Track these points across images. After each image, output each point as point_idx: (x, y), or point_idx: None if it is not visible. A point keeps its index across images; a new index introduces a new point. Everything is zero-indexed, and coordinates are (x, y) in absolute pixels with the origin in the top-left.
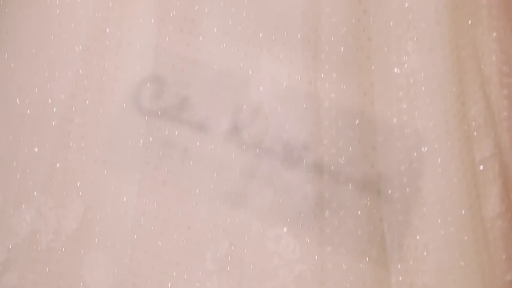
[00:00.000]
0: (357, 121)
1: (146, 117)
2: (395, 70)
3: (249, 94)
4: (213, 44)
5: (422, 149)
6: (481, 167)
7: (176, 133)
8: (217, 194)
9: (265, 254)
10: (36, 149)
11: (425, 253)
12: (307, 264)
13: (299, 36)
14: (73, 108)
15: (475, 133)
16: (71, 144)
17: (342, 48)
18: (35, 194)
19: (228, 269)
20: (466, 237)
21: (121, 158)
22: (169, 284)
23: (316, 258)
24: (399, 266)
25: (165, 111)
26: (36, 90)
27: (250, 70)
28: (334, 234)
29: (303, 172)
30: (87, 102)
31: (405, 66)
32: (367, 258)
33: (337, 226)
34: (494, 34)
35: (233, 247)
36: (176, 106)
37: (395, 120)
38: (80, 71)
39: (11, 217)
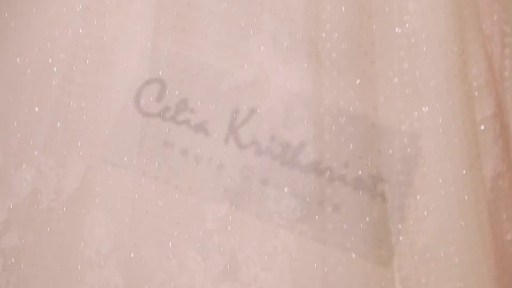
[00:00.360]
0: (358, 81)
1: (147, 77)
2: (397, 30)
3: (249, 95)
4: (213, 44)
5: (423, 109)
6: (482, 127)
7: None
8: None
9: (265, 214)
10: (36, 109)
11: (425, 213)
12: (307, 224)
13: (300, 38)
14: (74, 68)
15: (476, 93)
16: (71, 104)
17: (343, 7)
18: (35, 153)
19: (228, 228)
20: (466, 197)
21: (120, 120)
22: (170, 244)
23: (316, 218)
24: (400, 226)
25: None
26: (36, 50)
27: (250, 70)
28: (335, 194)
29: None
30: (87, 62)
31: (407, 25)
32: (368, 218)
33: (337, 185)
34: None
35: (233, 207)
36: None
37: (396, 80)
38: (81, 31)
39: (12, 177)
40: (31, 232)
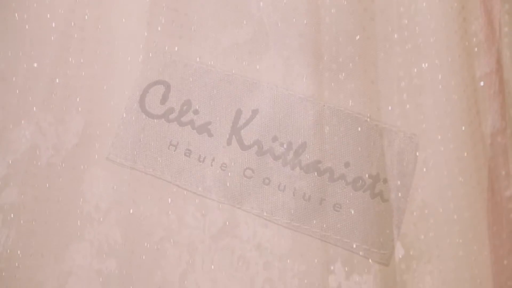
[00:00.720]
0: (357, 37)
1: (146, 33)
2: None
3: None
4: (215, 46)
5: (423, 65)
6: (482, 83)
7: None
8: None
9: (267, 90)
10: (35, 65)
11: (424, 170)
12: (308, 224)
13: (301, 38)
14: (72, 23)
15: (476, 49)
16: (70, 60)
17: None
18: (34, 109)
19: (229, 104)
20: (465, 154)
21: (120, 74)
22: (169, 200)
23: (318, 137)
24: (399, 183)
25: None
26: (35, 5)
27: (252, 72)
28: (334, 150)
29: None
30: (86, 18)
31: None
32: (369, 137)
33: (337, 142)
34: None
35: (234, 82)
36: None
37: (396, 35)
38: None
39: (11, 133)
40: (30, 188)
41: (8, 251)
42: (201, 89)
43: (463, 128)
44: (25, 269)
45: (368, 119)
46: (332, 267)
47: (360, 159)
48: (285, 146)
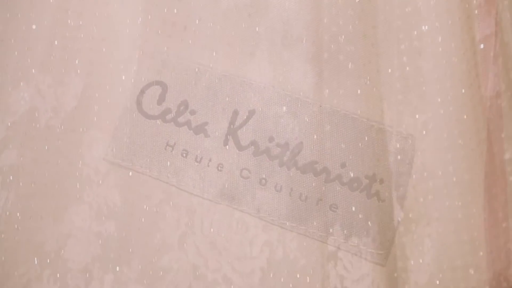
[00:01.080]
0: (357, 0)
1: (148, 80)
2: None
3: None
4: (214, 47)
5: (423, 28)
6: (482, 46)
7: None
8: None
9: (263, 91)
10: (34, 26)
11: (424, 132)
12: (305, 101)
13: (299, 39)
14: None
15: (476, 11)
16: (69, 22)
17: None
18: (33, 71)
19: (226, 105)
20: (465, 116)
21: (119, 36)
22: (168, 163)
23: (315, 137)
24: (398, 146)
25: None
26: None
27: (251, 72)
28: (334, 113)
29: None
30: None
31: None
32: (366, 138)
33: (336, 105)
34: None
35: (231, 83)
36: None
37: None
38: None
39: (9, 95)
40: (29, 150)
41: (7, 213)
42: (197, 90)
43: (463, 90)
44: (24, 231)
45: (365, 120)
46: (331, 230)
47: (357, 160)
48: (281, 146)
